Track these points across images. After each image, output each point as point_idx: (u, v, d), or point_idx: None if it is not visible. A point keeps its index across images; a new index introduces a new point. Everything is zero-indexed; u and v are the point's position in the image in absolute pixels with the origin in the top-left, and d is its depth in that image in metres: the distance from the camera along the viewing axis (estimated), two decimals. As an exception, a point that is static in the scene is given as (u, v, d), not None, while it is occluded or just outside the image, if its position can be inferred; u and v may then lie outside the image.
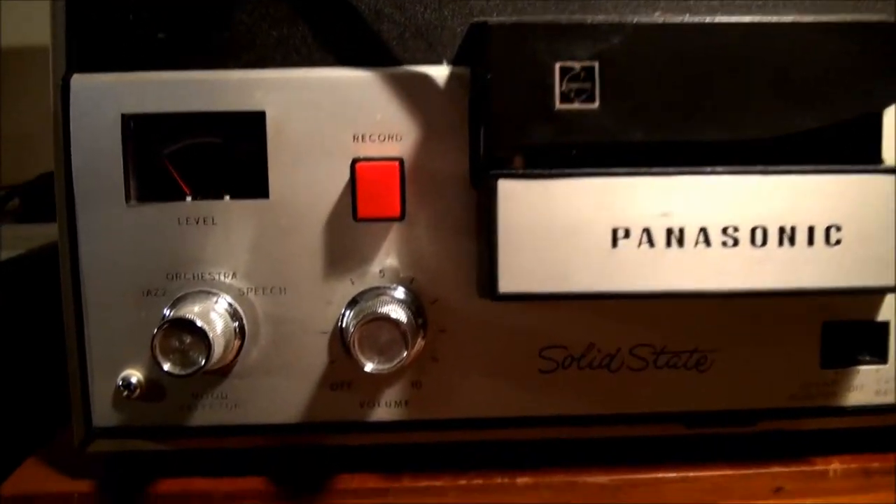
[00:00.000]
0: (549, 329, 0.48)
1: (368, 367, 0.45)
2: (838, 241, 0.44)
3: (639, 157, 0.44)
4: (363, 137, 0.46)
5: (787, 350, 0.50)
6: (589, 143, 0.43)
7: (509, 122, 0.43)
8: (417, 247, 0.47)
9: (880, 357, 0.50)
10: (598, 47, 0.42)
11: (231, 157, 0.48)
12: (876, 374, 0.50)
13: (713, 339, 0.49)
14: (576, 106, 0.43)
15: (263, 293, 0.48)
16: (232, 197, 0.47)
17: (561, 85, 0.43)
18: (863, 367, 0.50)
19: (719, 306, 0.49)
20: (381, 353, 0.45)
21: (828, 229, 0.44)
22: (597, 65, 0.43)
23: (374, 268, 0.48)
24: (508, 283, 0.44)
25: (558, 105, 0.43)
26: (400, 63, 0.47)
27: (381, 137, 0.46)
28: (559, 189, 0.43)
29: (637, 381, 0.49)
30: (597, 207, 0.43)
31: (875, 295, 0.48)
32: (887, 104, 0.45)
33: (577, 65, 0.42)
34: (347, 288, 0.48)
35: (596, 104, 0.43)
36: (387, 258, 0.47)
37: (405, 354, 0.45)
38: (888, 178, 0.44)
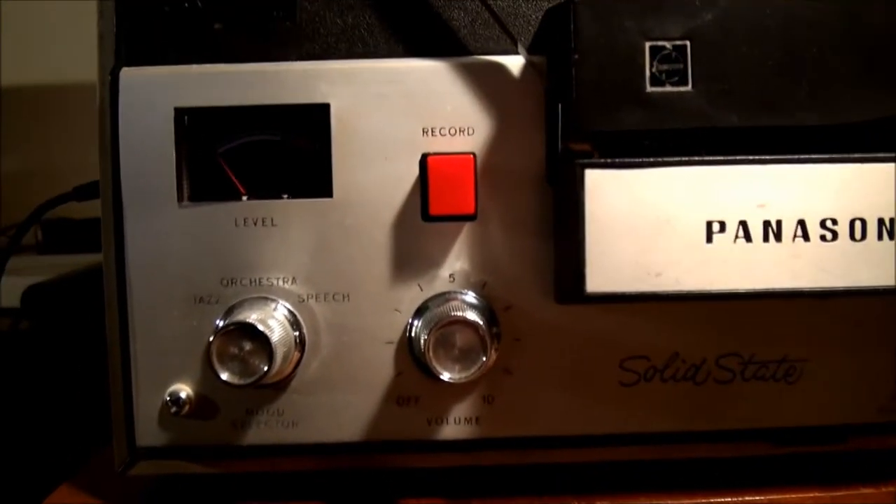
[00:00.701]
0: (631, 337, 0.45)
1: (445, 375, 0.41)
2: (941, 235, 0.42)
3: (726, 144, 0.41)
4: (433, 131, 0.44)
5: (875, 358, 0.46)
6: (681, 129, 0.40)
7: (596, 108, 0.40)
8: (490, 248, 0.44)
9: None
10: (689, 24, 0.40)
11: (290, 154, 0.45)
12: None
13: (802, 346, 0.46)
14: (667, 89, 0.40)
15: (325, 300, 0.44)
16: (291, 196, 0.44)
17: (651, 66, 0.40)
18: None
19: (808, 309, 0.45)
20: (457, 360, 0.42)
21: (929, 222, 0.42)
22: (689, 44, 0.40)
23: (444, 271, 0.44)
24: (597, 282, 0.41)
25: (649, 88, 0.40)
26: (471, 53, 0.44)
27: (452, 131, 0.44)
28: (650, 179, 0.40)
29: (724, 394, 0.46)
30: (690, 199, 0.41)
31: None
32: None
33: (668, 44, 0.40)
34: (415, 294, 0.44)
35: (689, 86, 0.40)
36: (457, 261, 0.44)
37: (484, 361, 0.41)
38: None
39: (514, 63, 0.44)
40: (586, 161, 0.40)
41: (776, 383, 0.46)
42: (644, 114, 0.40)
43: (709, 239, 0.41)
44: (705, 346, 0.45)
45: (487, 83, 0.44)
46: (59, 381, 0.61)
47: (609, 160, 0.40)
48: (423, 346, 0.41)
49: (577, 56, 0.40)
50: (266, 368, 0.41)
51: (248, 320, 0.41)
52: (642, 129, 0.40)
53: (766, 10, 0.40)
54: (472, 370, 0.41)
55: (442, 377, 0.41)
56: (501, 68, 0.44)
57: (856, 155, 0.41)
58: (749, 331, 0.45)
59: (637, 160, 0.40)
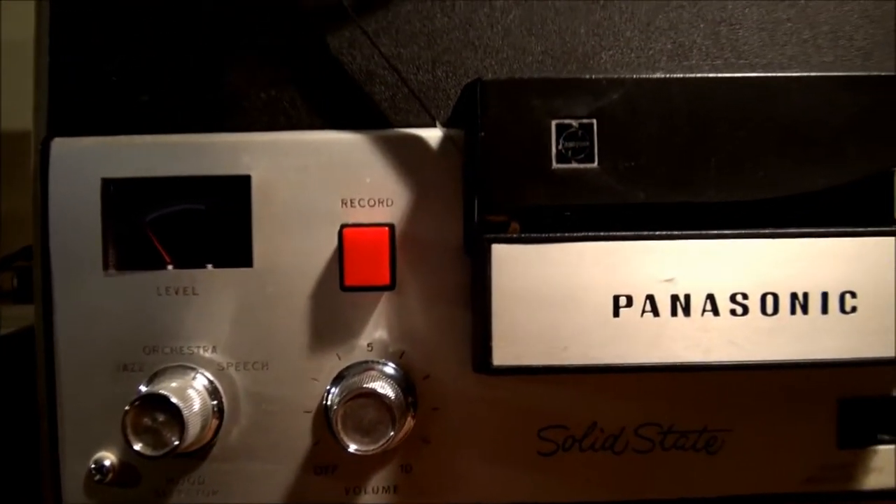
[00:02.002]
0: (549, 407, 0.45)
1: (352, 447, 0.42)
2: (854, 309, 0.42)
3: (638, 219, 0.42)
4: (352, 202, 0.44)
5: (802, 429, 0.46)
6: (587, 205, 0.41)
7: (503, 184, 0.41)
8: (408, 318, 0.45)
9: (900, 436, 0.47)
10: (596, 104, 0.40)
11: (214, 223, 0.46)
12: (897, 456, 0.47)
13: (723, 417, 0.46)
14: (573, 166, 0.41)
15: (245, 368, 0.45)
16: (216, 265, 0.45)
17: (557, 143, 0.41)
18: (882, 447, 0.47)
19: (729, 381, 0.46)
20: (365, 432, 0.42)
21: (842, 295, 0.42)
22: (595, 122, 0.41)
23: (363, 341, 0.45)
24: (504, 355, 0.41)
25: (555, 165, 0.41)
26: (391, 125, 0.45)
27: (371, 202, 0.44)
28: (557, 254, 0.41)
29: (644, 464, 0.46)
30: (597, 273, 0.41)
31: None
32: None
33: (574, 122, 0.41)
34: (334, 363, 0.45)
35: (594, 164, 0.41)
36: (375, 330, 0.45)
37: (391, 434, 0.42)
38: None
39: (433, 136, 0.44)
40: (493, 236, 0.41)
41: (697, 453, 0.46)
42: (550, 190, 0.41)
43: (616, 313, 0.41)
44: (624, 415, 0.46)
45: (407, 155, 0.44)
46: (15, 437, 0.62)
47: (516, 235, 0.41)
48: (332, 417, 0.42)
49: (483, 133, 0.41)
50: (177, 441, 0.41)
51: (160, 392, 0.41)
52: (549, 204, 0.41)
53: (673, 88, 0.41)
54: (381, 442, 0.42)
55: (349, 449, 0.42)
56: (421, 141, 0.44)
57: (766, 231, 0.42)
58: (668, 401, 0.46)
59: (543, 235, 0.41)
